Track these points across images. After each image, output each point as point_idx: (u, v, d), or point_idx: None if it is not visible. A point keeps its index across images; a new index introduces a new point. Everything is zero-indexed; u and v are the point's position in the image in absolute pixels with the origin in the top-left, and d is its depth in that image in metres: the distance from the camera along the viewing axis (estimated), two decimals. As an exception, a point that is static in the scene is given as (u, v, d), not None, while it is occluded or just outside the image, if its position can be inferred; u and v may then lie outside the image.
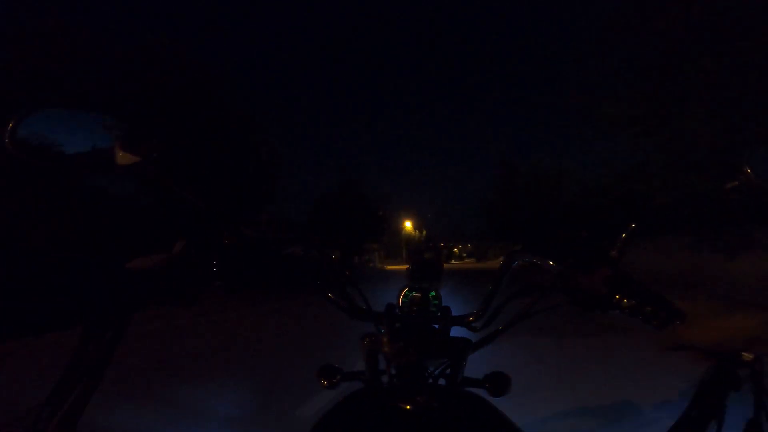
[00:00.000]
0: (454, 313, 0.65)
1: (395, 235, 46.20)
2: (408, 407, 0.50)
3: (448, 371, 0.59)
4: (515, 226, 25.58)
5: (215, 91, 12.18)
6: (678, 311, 0.48)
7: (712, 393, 0.65)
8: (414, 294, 0.69)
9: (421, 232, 56.56)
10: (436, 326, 0.62)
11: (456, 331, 0.62)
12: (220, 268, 0.53)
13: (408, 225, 50.45)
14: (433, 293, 0.69)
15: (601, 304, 0.50)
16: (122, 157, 0.49)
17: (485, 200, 30.64)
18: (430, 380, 0.58)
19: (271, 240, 0.61)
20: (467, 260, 75.40)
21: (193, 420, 2.39)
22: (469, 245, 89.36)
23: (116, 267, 0.46)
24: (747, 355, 0.72)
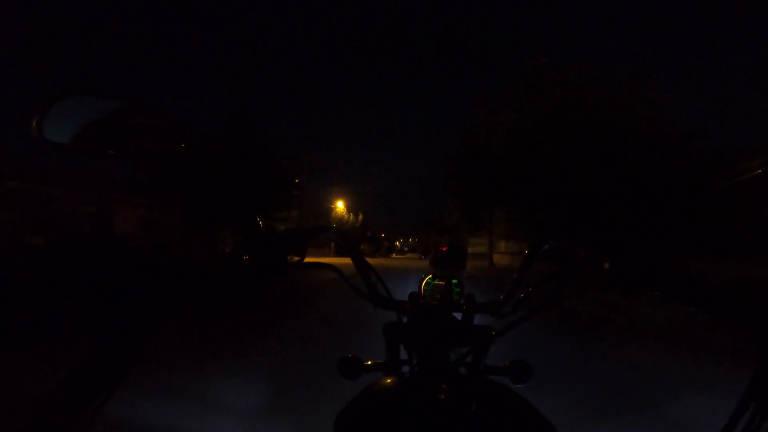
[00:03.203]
0: None
1: (321, 217, 34.33)
2: (431, 396, 0.51)
3: (469, 359, 0.57)
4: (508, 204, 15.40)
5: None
6: (720, 295, 0.44)
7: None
8: (437, 282, 0.72)
9: (356, 216, 45.22)
10: (459, 314, 0.62)
11: (478, 318, 0.61)
12: (250, 256, 0.56)
13: (340, 206, 38.84)
14: (455, 281, 0.72)
15: (638, 286, 0.48)
16: (151, 143, 0.51)
17: (448, 165, 20.85)
18: (452, 369, 0.58)
19: (296, 229, 0.60)
20: (408, 255, 66.06)
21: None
22: (411, 239, 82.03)
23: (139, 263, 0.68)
24: None
